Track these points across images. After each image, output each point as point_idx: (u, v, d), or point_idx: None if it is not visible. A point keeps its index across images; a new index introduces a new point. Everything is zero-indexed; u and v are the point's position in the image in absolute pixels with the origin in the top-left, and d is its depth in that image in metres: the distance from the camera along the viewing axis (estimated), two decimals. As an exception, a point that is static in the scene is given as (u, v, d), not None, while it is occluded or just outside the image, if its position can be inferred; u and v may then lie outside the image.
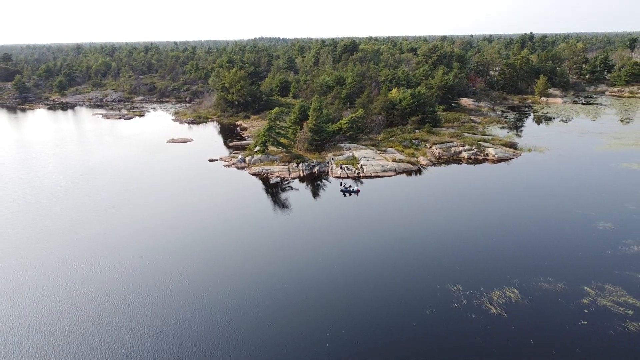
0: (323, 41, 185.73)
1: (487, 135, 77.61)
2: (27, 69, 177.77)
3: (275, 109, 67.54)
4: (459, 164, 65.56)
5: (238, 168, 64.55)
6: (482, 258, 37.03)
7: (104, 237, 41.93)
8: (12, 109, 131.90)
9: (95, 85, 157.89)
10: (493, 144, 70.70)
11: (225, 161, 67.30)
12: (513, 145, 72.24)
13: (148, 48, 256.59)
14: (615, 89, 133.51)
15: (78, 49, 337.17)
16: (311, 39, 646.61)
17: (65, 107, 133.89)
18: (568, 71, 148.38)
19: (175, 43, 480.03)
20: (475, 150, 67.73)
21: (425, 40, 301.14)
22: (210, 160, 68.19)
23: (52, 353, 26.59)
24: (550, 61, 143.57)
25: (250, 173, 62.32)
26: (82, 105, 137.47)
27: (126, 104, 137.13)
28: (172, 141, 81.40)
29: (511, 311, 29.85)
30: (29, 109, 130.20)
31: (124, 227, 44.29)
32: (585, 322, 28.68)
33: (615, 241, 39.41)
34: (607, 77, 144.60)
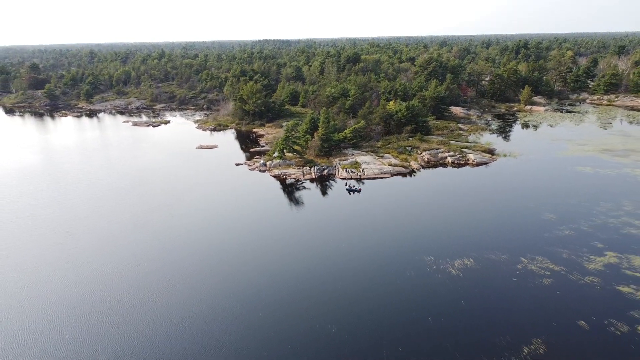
0: (328, 51, 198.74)
1: (470, 143, 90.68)
2: (54, 78, 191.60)
3: (291, 122, 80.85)
4: (445, 167, 78.65)
5: (260, 171, 77.85)
6: (450, 238, 50.16)
7: (160, 231, 55.37)
8: (46, 115, 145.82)
9: (118, 94, 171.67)
10: (474, 151, 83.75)
11: (249, 165, 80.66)
12: (491, 151, 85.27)
13: (161, 55, 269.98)
14: (595, 97, 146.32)
15: (91, 54, 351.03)
16: (314, 41, 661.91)
17: (94, 114, 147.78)
18: (554, 80, 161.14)
19: (184, 48, 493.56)
20: (458, 155, 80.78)
21: (425, 46, 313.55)
22: (237, 164, 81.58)
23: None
24: (536, 71, 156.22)
25: (271, 175, 75.60)
26: (109, 112, 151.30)
27: (149, 111, 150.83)
28: (201, 147, 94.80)
29: (466, 273, 42.99)
30: (63, 116, 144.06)
31: (176, 221, 57.67)
32: (515, 279, 41.81)
33: (552, 227, 52.50)
34: (589, 86, 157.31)
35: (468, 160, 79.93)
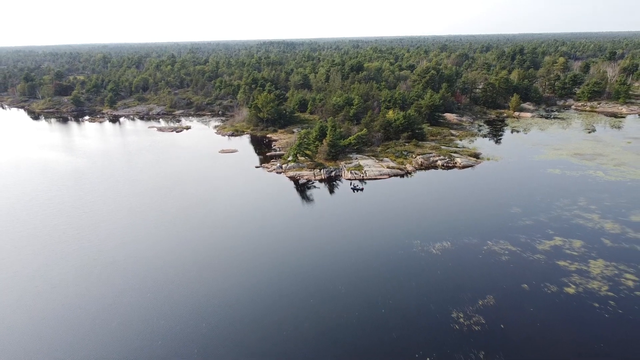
0: (333, 60, 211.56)
1: (459, 148, 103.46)
2: (78, 85, 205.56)
3: (303, 130, 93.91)
4: (435, 169, 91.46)
5: (277, 173, 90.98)
6: (434, 226, 63.09)
7: (200, 222, 68.65)
8: (75, 121, 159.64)
9: (139, 100, 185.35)
10: (461, 155, 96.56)
11: (267, 168, 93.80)
12: (476, 155, 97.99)
13: (173, 61, 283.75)
14: (580, 104, 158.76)
15: (104, 59, 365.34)
16: (317, 43, 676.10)
17: (119, 119, 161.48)
18: (543, 87, 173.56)
19: (191, 51, 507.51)
20: (447, 159, 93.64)
21: (426, 51, 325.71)
22: (256, 167, 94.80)
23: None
24: (526, 79, 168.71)
25: (286, 176, 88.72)
26: (132, 118, 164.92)
27: (169, 117, 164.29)
28: (223, 151, 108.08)
29: (443, 252, 55.94)
30: (92, 121, 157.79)
31: (213, 215, 70.89)
32: (481, 257, 54.76)
33: (517, 218, 65.36)
34: (575, 92, 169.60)
35: (456, 163, 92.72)
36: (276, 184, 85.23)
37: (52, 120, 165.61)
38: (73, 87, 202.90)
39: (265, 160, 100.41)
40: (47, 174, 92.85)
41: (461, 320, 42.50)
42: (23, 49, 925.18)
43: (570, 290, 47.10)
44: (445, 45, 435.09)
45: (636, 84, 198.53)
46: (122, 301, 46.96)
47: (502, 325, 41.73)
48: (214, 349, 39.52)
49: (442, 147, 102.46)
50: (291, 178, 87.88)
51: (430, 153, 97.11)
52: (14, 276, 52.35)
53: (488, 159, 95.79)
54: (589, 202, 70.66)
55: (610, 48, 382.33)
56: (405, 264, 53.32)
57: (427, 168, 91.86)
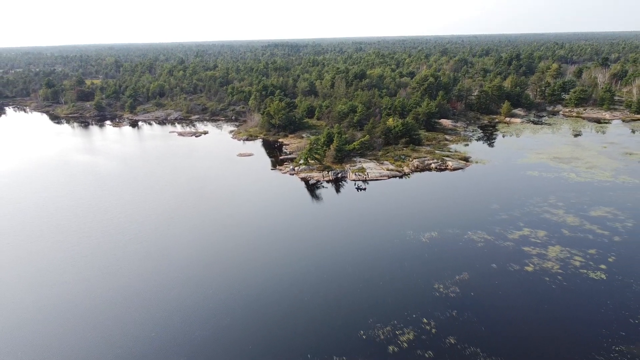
0: (337, 67, 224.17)
1: (452, 152, 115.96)
2: (98, 90, 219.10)
3: (313, 137, 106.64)
4: (429, 171, 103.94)
5: (290, 174, 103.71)
6: (425, 219, 75.66)
7: (229, 218, 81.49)
8: (98, 125, 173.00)
9: (157, 105, 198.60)
10: (453, 158, 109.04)
11: (281, 170, 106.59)
12: (466, 159, 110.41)
13: (185, 66, 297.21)
14: (567, 110, 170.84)
15: (117, 63, 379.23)
16: (320, 44, 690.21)
17: (138, 124, 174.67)
18: (534, 94, 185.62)
19: (197, 54, 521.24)
20: (440, 162, 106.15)
21: (427, 56, 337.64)
22: (271, 169, 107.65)
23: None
24: (518, 86, 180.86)
25: (299, 177, 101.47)
26: (150, 123, 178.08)
27: (186, 122, 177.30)
28: (240, 155, 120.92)
29: (431, 240, 68.47)
30: (116, 126, 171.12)
31: (239, 209, 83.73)
32: (461, 244, 67.28)
33: (495, 213, 77.82)
34: (564, 98, 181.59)
35: (447, 166, 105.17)
36: (290, 184, 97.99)
37: (78, 125, 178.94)
38: (93, 92, 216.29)
39: (278, 162, 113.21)
40: (88, 175, 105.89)
41: (441, 289, 55.14)
42: (31, 50, 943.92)
43: (529, 268, 59.64)
44: (446, 48, 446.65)
45: (624, 89, 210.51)
46: (177, 278, 59.83)
47: (472, 293, 54.34)
48: (255, 306, 52.31)
49: (436, 151, 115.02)
50: (303, 179, 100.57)
51: (425, 157, 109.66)
52: (82, 262, 65.39)
53: (476, 162, 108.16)
54: (557, 199, 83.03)
55: (606, 51, 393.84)
56: (399, 249, 65.97)
57: (422, 170, 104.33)
